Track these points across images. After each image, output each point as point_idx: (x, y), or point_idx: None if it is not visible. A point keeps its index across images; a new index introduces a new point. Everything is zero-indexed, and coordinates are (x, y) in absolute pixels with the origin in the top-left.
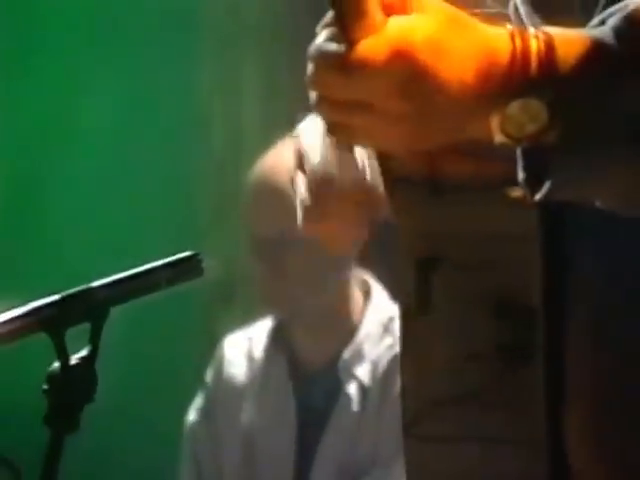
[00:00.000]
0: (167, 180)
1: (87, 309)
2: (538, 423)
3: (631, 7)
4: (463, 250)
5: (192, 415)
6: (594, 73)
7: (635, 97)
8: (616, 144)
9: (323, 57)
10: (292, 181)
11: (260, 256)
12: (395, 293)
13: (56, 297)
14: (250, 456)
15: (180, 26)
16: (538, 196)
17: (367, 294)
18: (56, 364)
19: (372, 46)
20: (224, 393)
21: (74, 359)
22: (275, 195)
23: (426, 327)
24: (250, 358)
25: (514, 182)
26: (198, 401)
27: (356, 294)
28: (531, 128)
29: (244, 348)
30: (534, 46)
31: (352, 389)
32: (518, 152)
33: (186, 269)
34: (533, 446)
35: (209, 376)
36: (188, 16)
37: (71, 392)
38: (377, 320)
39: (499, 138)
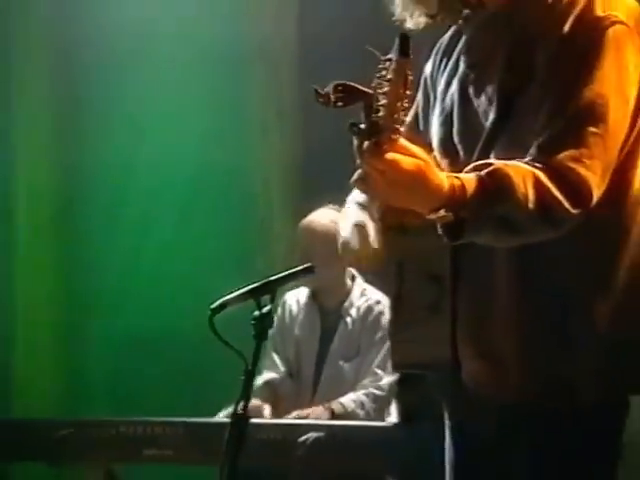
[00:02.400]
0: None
1: (269, 289)
2: (446, 329)
3: (494, 166)
4: (417, 257)
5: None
6: (480, 196)
7: (502, 208)
8: (492, 225)
9: (372, 150)
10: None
11: (302, 256)
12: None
13: (256, 284)
14: (298, 347)
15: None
16: (458, 241)
17: (353, 278)
18: (256, 312)
19: (402, 157)
20: (286, 317)
21: (264, 309)
22: (311, 231)
23: (400, 289)
24: (298, 302)
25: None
26: (275, 320)
27: (348, 278)
28: (445, 220)
29: (295, 298)
30: (456, 183)
31: (348, 320)
32: (438, 227)
33: (307, 271)
34: (444, 344)
35: (279, 310)
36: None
37: (263, 322)
38: (358, 290)
39: (429, 218)
